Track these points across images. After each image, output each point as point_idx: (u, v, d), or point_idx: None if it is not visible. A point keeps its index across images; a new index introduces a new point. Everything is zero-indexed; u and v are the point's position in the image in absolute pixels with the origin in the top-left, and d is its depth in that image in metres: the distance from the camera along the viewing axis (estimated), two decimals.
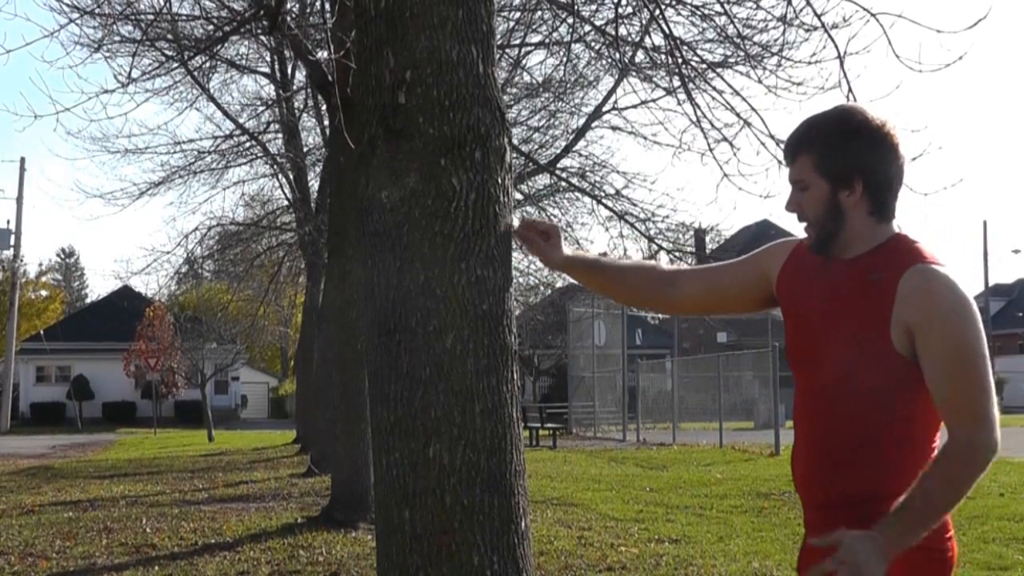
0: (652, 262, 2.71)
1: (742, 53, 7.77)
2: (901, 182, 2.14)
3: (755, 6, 7.40)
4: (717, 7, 7.56)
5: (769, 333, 27.28)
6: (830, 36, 5.72)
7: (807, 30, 6.78)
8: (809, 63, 6.78)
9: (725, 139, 7.30)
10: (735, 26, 7.47)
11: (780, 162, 7.03)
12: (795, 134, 2.17)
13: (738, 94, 7.25)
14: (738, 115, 7.22)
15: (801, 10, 6.49)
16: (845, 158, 2.08)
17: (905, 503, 1.96)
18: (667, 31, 6.55)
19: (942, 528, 2.03)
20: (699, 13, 7.89)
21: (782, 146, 6.88)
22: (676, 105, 9.18)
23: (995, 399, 2.06)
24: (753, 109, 7.13)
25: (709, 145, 6.87)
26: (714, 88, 7.57)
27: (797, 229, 2.37)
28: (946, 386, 2.00)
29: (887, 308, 2.02)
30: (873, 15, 5.21)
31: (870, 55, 5.53)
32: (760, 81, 7.40)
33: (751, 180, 10.69)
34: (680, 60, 6.61)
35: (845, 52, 5.56)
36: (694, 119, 7.04)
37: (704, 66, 7.70)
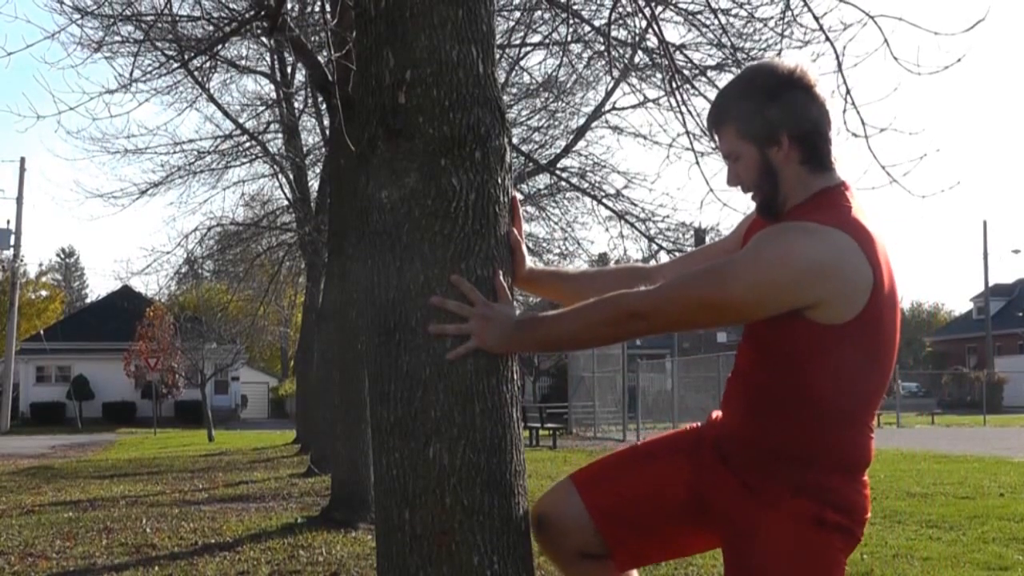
0: (633, 264, 2.68)
1: (734, 60, 7.77)
2: (829, 124, 2.10)
3: (750, 16, 7.41)
4: (712, 17, 7.56)
5: None
6: (829, 40, 5.71)
7: (803, 39, 6.78)
8: None
9: (717, 148, 7.28)
10: (728, 37, 7.47)
11: None
12: (711, 110, 2.18)
13: None
14: None
15: (798, 14, 6.49)
16: (764, 116, 2.06)
17: (564, 312, 2.16)
18: (660, 36, 6.54)
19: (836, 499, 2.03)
20: (693, 21, 7.88)
21: None
22: (671, 108, 9.17)
23: (709, 299, 2.01)
24: None
25: (696, 157, 6.86)
26: (704, 97, 7.56)
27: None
28: (704, 264, 2.17)
29: None
30: (871, 17, 5.21)
31: (868, 57, 5.50)
32: None
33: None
34: (672, 67, 6.60)
35: (844, 53, 5.56)
36: (684, 127, 7.03)
37: (695, 71, 7.69)
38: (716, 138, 2.18)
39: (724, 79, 8.21)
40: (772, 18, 7.21)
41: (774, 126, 2.05)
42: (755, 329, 2.09)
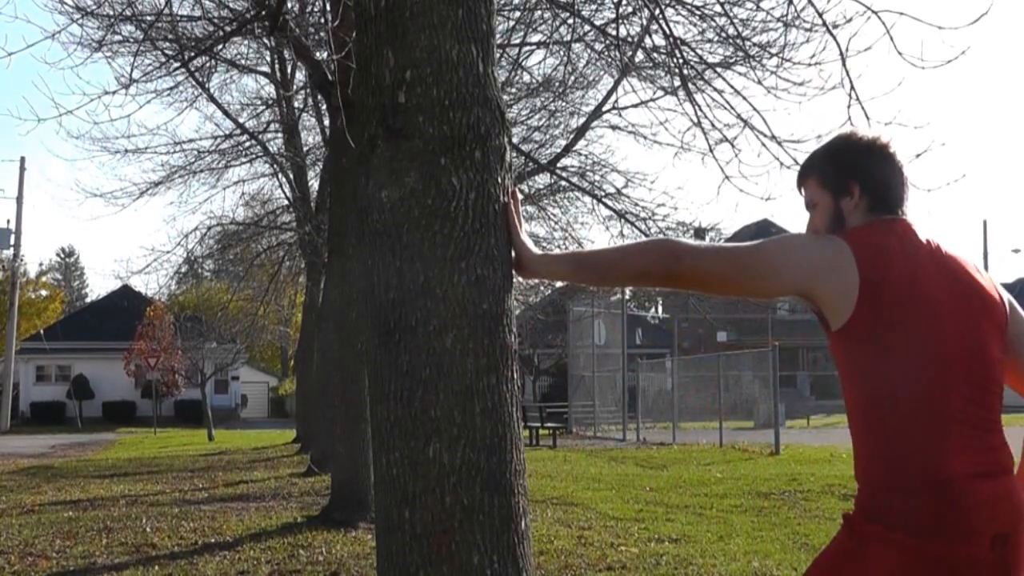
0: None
1: (742, 53, 7.76)
2: (903, 185, 2.27)
3: (755, 7, 7.40)
4: (717, 7, 7.56)
5: (769, 333, 27.28)
6: (832, 35, 5.72)
7: (808, 30, 6.78)
8: (809, 64, 6.78)
9: (726, 139, 7.28)
10: (735, 26, 7.47)
11: (781, 163, 7.02)
12: (801, 166, 2.40)
13: (739, 93, 7.24)
14: (739, 116, 7.21)
15: (802, 9, 6.49)
16: (841, 168, 2.27)
17: (599, 251, 2.44)
18: (667, 31, 6.54)
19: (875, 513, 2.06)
20: (699, 13, 7.87)
21: (784, 147, 6.90)
22: (676, 105, 9.17)
23: (717, 255, 2.26)
24: (755, 109, 7.13)
25: (710, 146, 6.87)
26: (714, 88, 7.56)
27: (798, 229, 2.47)
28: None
29: None
30: (874, 12, 5.22)
31: (871, 52, 5.54)
32: (760, 82, 7.40)
33: (752, 181, 10.67)
34: (681, 60, 6.61)
35: (847, 50, 5.56)
36: (695, 120, 7.04)
37: (704, 66, 7.68)
38: (802, 191, 2.38)
39: (731, 75, 8.22)
40: (776, 7, 7.21)
41: (849, 177, 2.26)
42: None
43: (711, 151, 6.70)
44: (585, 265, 2.44)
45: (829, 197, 2.28)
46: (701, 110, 7.10)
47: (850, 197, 2.24)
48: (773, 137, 6.94)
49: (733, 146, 7.32)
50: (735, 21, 7.41)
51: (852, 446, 2.19)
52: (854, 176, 2.25)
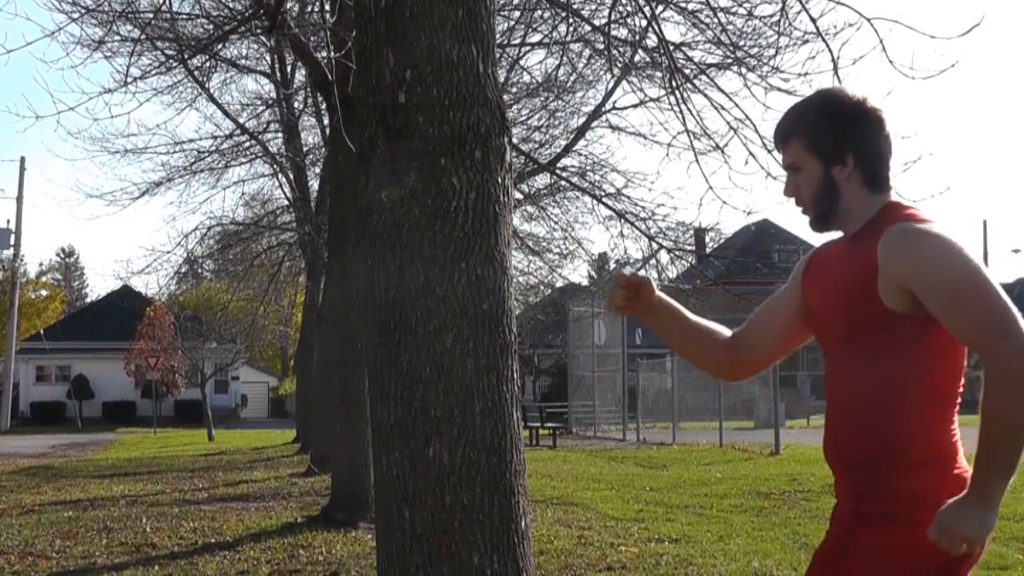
0: (716, 326, 2.54)
1: (732, 59, 7.77)
2: (891, 153, 2.22)
3: (748, 14, 7.41)
4: (710, 13, 7.56)
5: None
6: (825, 42, 5.73)
7: (801, 36, 6.78)
8: (800, 75, 6.79)
9: (717, 147, 7.28)
10: (727, 35, 7.47)
11: (769, 174, 6.99)
12: (782, 121, 2.27)
13: (731, 99, 7.23)
14: (728, 124, 7.20)
15: (797, 14, 6.49)
16: (834, 135, 2.17)
17: (976, 454, 1.96)
18: (660, 35, 6.53)
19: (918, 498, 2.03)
20: (692, 20, 7.88)
21: (773, 155, 6.88)
22: (672, 107, 9.17)
23: (1013, 314, 1.95)
24: (745, 115, 7.12)
25: (696, 155, 6.85)
26: (705, 95, 7.55)
27: (797, 228, 2.43)
28: (957, 327, 2.03)
29: (871, 271, 2.07)
30: (868, 20, 5.22)
31: (863, 61, 5.59)
32: (748, 87, 7.39)
33: (740, 189, 10.65)
34: (672, 66, 6.60)
35: (839, 56, 5.58)
36: (683, 126, 7.02)
37: (696, 71, 7.69)
38: (781, 150, 2.27)
39: (724, 78, 8.20)
40: (772, 16, 7.21)
41: (843, 145, 2.17)
42: (850, 335, 2.14)
43: (696, 160, 6.69)
44: (1004, 464, 1.97)
45: (818, 164, 2.19)
46: (693, 115, 7.08)
47: (843, 166, 2.17)
48: (764, 145, 6.92)
49: (723, 152, 7.32)
50: (727, 29, 7.41)
51: (880, 432, 2.09)
52: (849, 145, 2.16)
